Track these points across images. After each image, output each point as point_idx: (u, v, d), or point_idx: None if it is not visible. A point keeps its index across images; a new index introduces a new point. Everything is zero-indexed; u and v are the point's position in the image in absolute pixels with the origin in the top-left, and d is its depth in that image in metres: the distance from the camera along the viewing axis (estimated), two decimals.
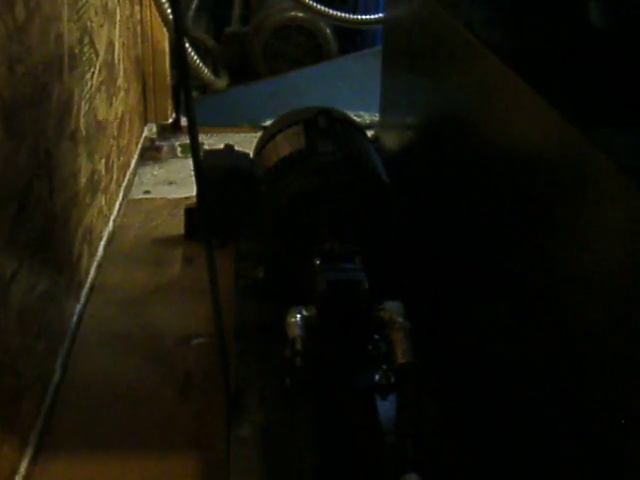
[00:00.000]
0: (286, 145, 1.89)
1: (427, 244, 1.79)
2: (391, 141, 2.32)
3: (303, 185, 1.73)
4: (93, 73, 2.25)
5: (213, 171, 1.97)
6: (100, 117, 2.34)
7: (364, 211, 1.74)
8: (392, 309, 1.50)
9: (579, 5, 1.38)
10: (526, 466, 1.23)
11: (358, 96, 3.21)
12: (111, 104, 2.53)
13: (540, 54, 1.35)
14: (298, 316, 1.48)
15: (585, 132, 0.97)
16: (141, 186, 2.91)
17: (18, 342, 1.56)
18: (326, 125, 1.89)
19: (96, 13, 2.30)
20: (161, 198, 2.81)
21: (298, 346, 1.42)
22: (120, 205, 2.66)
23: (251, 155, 2.11)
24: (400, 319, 1.48)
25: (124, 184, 2.75)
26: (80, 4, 2.08)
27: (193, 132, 1.49)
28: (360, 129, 2.07)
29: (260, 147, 2.01)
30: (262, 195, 1.82)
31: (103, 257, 2.35)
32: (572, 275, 1.02)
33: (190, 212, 2.47)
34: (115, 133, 2.59)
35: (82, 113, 2.11)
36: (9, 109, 1.47)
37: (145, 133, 3.24)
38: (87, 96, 2.17)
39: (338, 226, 1.70)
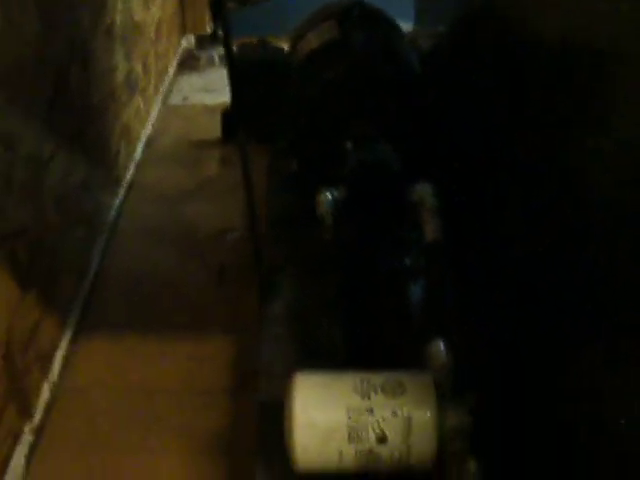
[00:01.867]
0: (320, 37, 1.88)
1: (457, 135, 1.78)
2: (426, 40, 2.29)
3: (336, 73, 1.73)
4: None
5: (247, 64, 1.98)
6: (137, 18, 2.35)
7: (396, 101, 1.73)
8: (422, 190, 1.50)
9: None
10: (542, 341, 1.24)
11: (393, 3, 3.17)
12: (148, 7, 2.53)
13: None
14: (328, 195, 1.49)
15: None
16: (179, 93, 2.94)
17: (55, 224, 1.60)
18: (361, 18, 1.88)
19: None
20: (199, 104, 2.83)
21: (328, 221, 1.44)
22: (159, 110, 2.68)
23: (285, 49, 2.11)
24: (430, 199, 1.48)
25: (162, 90, 2.77)
26: None
27: (228, 40, 1.47)
28: (394, 23, 2.05)
29: (294, 41, 2.00)
30: (296, 85, 1.82)
31: (142, 157, 2.39)
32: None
33: (227, 115, 2.48)
34: (152, 37, 2.60)
35: (118, 11, 2.12)
36: None
37: (184, 44, 3.25)
38: None
39: (370, 115, 1.69)
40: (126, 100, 2.21)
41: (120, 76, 2.12)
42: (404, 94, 1.76)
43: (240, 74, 1.69)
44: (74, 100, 1.70)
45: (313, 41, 1.91)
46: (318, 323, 1.43)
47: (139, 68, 2.37)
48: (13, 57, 1.36)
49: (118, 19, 2.11)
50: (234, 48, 1.60)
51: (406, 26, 3.01)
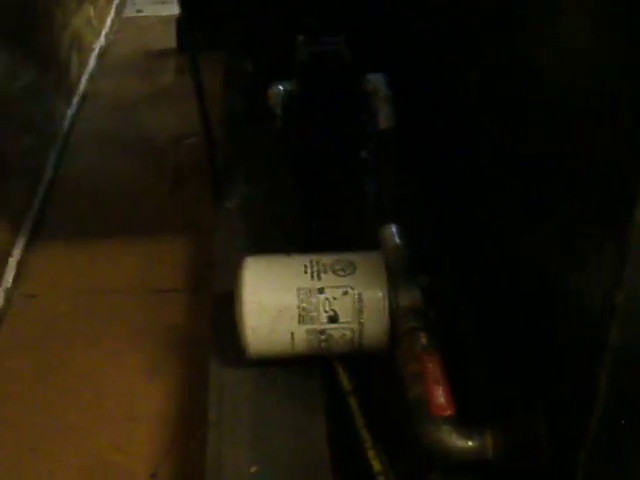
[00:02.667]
0: None
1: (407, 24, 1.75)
2: None
3: None
4: None
5: None
6: None
7: None
8: (375, 80, 1.48)
9: None
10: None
11: None
12: None
13: None
14: (280, 87, 1.47)
15: None
16: (134, 6, 2.87)
17: (3, 131, 1.56)
18: None
19: None
20: (154, 16, 2.77)
21: (278, 111, 1.41)
22: (112, 21, 2.62)
23: None
24: (383, 88, 1.46)
25: (115, 1, 2.70)
26: None
27: None
28: None
29: None
30: None
31: (95, 68, 2.34)
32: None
33: (182, 22, 2.42)
34: None
35: None
36: None
37: None
38: None
39: (321, 6, 1.66)
40: (75, 8, 2.15)
41: None
42: None
43: None
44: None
45: None
46: (272, 215, 1.42)
47: None
48: None
49: None
50: None
51: None
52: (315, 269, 1.11)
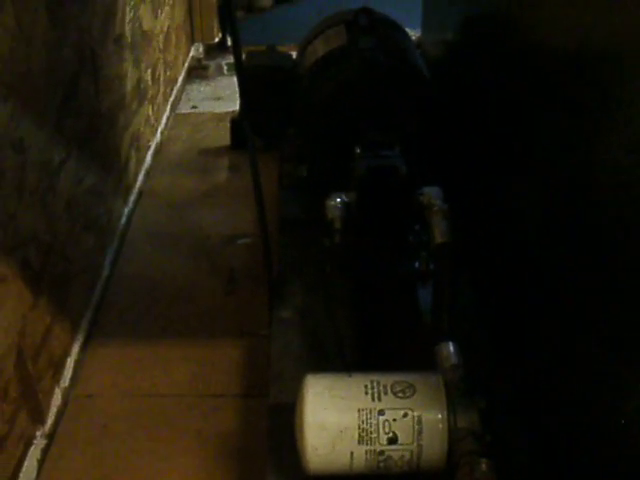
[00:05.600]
0: (328, 43, 1.89)
1: (465, 136, 1.79)
2: (433, 49, 2.31)
3: (344, 77, 1.74)
4: None
5: (256, 70, 1.99)
6: (145, 27, 2.37)
7: (404, 103, 1.74)
8: (430, 194, 1.51)
9: None
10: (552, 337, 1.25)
11: (402, 12, 3.18)
12: (156, 16, 2.55)
13: None
14: (338, 199, 1.50)
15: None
16: (188, 102, 2.96)
17: (66, 229, 1.60)
18: (367, 22, 1.89)
19: None
20: (208, 112, 2.85)
21: (337, 225, 1.44)
22: (168, 118, 2.69)
23: (293, 55, 2.12)
24: (438, 202, 1.48)
25: (171, 98, 2.79)
26: None
27: (236, 47, 1.45)
28: (401, 28, 2.06)
29: (303, 47, 2.01)
30: (304, 90, 1.83)
31: (151, 165, 2.40)
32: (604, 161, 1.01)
33: (236, 123, 2.49)
34: (161, 46, 2.61)
35: (127, 19, 2.14)
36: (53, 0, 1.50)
37: (192, 53, 3.27)
38: (132, 3, 2.19)
39: (379, 118, 1.70)
40: (136, 108, 2.22)
41: (129, 84, 2.13)
42: (413, 98, 1.77)
43: (249, 80, 1.70)
44: (83, 107, 1.71)
45: (321, 47, 1.92)
46: (328, 327, 1.44)
47: (148, 76, 2.38)
48: (25, 64, 1.37)
49: (127, 28, 2.13)
50: (243, 56, 1.61)
51: (413, 32, 3.02)
52: (375, 390, 1.13)
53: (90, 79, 1.78)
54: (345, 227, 1.46)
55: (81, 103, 1.69)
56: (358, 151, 1.59)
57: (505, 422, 1.22)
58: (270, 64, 2.02)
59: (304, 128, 1.84)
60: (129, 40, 2.15)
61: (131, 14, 2.19)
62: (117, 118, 2.01)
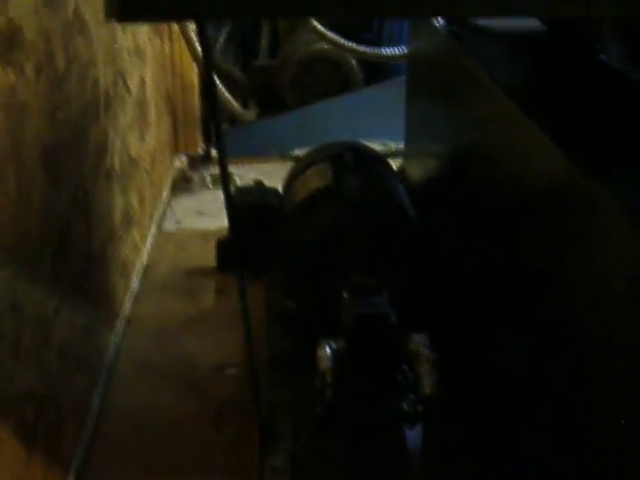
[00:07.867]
0: (313, 182, 1.95)
1: (452, 277, 1.84)
2: (416, 171, 2.37)
3: (330, 222, 1.79)
4: (125, 111, 2.33)
5: (244, 208, 2.05)
6: (133, 153, 2.42)
7: (391, 246, 1.79)
8: (418, 341, 1.54)
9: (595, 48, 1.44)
10: None
11: (384, 125, 3.27)
12: (143, 139, 2.61)
13: (549, 95, 1.41)
14: (328, 348, 1.54)
15: (587, 172, 1.03)
16: (172, 218, 3.00)
17: (59, 376, 1.62)
18: (352, 161, 1.95)
19: (128, 54, 2.38)
20: (192, 230, 2.89)
21: (328, 378, 1.47)
22: (154, 237, 2.73)
23: (280, 190, 2.18)
24: (426, 351, 1.52)
25: (156, 217, 2.83)
26: (114, 48, 2.16)
27: (223, 163, 1.49)
28: (386, 164, 2.13)
29: (288, 183, 2.07)
30: (291, 231, 1.88)
31: (138, 290, 2.43)
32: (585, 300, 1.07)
33: (222, 244, 2.53)
34: (147, 168, 2.67)
35: (116, 151, 2.19)
36: (50, 156, 1.55)
37: (177, 164, 3.32)
38: (120, 134, 2.25)
39: (366, 261, 1.75)
40: (123, 235, 2.26)
41: (118, 214, 2.18)
42: (398, 240, 1.82)
43: (237, 216, 1.75)
44: (77, 251, 1.75)
45: (306, 185, 1.98)
46: (320, 478, 1.46)
47: (134, 201, 2.42)
48: (23, 227, 1.40)
49: (116, 159, 2.18)
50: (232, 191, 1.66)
51: (399, 145, 3.07)
52: None
53: (82, 219, 1.82)
54: (336, 378, 1.49)
55: (74, 247, 1.73)
56: (346, 296, 1.63)
57: None
58: (258, 202, 2.07)
59: (291, 266, 1.89)
60: (118, 171, 2.20)
61: (120, 144, 2.24)
62: (107, 251, 2.05)
